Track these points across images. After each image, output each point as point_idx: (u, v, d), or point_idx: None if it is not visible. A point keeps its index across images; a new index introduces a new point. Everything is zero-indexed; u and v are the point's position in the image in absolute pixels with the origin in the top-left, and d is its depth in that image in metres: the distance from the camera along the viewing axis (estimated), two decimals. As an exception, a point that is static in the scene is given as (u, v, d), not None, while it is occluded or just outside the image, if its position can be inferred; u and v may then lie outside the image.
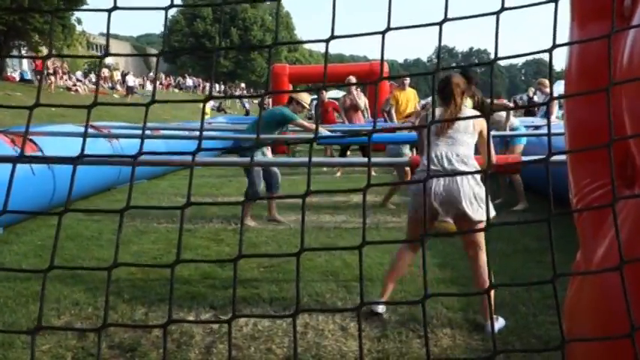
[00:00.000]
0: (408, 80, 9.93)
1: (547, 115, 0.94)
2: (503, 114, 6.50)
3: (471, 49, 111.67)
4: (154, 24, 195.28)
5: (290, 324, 3.19)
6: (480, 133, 3.27)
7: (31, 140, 5.30)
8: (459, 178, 3.10)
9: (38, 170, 5.21)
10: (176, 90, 42.84)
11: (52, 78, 25.89)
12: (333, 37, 1.00)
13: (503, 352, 2.58)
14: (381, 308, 3.28)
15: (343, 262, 4.34)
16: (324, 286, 3.77)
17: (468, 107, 3.44)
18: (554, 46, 0.97)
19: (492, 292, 3.07)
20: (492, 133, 6.42)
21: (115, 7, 1.03)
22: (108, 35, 1.12)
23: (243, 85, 49.33)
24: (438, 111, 3.30)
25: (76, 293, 3.57)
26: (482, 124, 3.28)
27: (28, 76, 27.43)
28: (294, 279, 3.96)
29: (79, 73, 31.87)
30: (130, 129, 7.39)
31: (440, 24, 1.01)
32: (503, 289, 3.57)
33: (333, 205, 6.77)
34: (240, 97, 1.25)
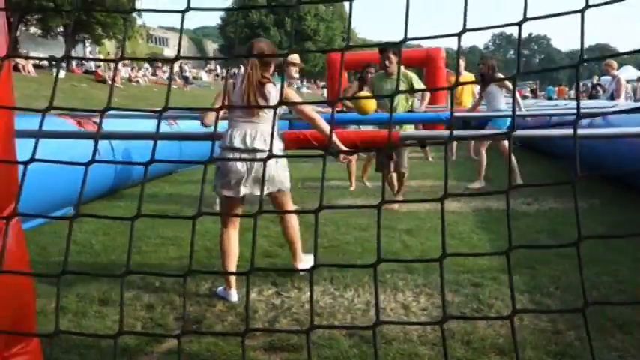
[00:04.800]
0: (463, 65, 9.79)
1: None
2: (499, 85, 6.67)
3: (529, 35, 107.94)
4: (210, 17, 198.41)
5: (351, 301, 3.19)
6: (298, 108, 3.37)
7: (95, 123, 5.49)
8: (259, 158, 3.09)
9: (102, 151, 5.42)
10: (231, 81, 43.38)
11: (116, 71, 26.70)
12: (406, 39, 0.95)
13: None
14: (234, 296, 3.19)
15: (403, 244, 4.30)
16: (385, 266, 3.74)
17: (277, 82, 3.31)
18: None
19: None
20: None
21: (189, 9, 1.01)
22: (180, 38, 1.11)
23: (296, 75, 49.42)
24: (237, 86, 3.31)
25: (143, 268, 3.69)
26: (287, 96, 3.23)
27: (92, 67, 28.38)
28: (354, 258, 3.95)
29: (147, 67, 33.24)
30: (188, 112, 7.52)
31: (519, 24, 0.93)
32: (572, 275, 3.45)
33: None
34: (312, 102, 1.21)
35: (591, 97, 13.41)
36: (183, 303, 0.85)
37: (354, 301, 3.20)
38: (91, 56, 32.43)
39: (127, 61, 30.91)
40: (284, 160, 3.35)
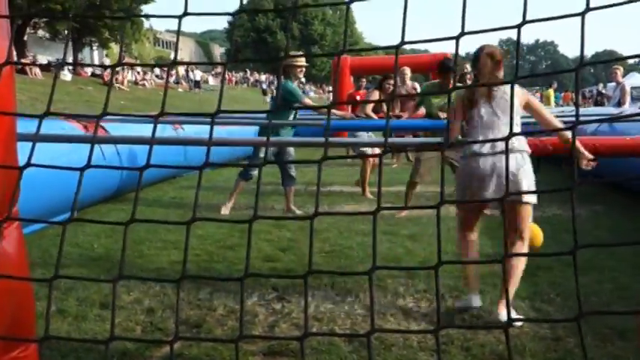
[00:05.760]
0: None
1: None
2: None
3: (537, 41, 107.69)
4: (217, 20, 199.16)
5: (351, 306, 3.19)
6: (529, 107, 3.09)
7: (101, 126, 5.51)
8: (511, 158, 2.93)
9: (108, 154, 5.45)
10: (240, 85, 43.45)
11: (122, 74, 26.83)
12: (403, 42, 0.95)
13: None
14: (475, 302, 3.12)
15: (405, 250, 4.30)
16: (386, 271, 3.74)
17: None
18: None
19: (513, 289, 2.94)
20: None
21: (186, 13, 1.02)
22: (177, 41, 1.13)
23: (303, 79, 49.54)
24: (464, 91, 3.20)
25: (144, 272, 3.70)
26: (524, 96, 3.10)
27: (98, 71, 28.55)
28: (355, 264, 3.95)
29: (155, 71, 33.37)
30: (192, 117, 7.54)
31: (518, 27, 0.92)
32: (574, 282, 3.44)
33: (396, 193, 6.68)
34: (321, 107, 1.23)
35: (597, 103, 13.40)
36: (176, 309, 0.85)
37: (354, 306, 3.20)
38: (97, 60, 32.60)
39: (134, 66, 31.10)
40: (528, 166, 3.04)
